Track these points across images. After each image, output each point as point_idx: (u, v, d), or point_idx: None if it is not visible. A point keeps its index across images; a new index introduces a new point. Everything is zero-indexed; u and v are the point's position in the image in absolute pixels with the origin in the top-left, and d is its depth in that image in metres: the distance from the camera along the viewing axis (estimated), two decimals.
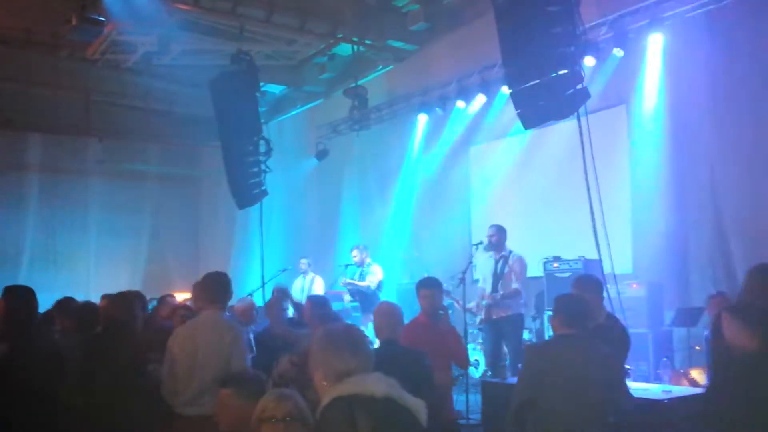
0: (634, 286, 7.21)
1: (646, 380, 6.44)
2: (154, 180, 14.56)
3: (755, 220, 6.92)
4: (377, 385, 2.39)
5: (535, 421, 3.76)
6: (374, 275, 8.84)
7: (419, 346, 4.24)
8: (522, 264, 7.33)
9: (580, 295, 4.33)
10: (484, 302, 7.42)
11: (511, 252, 7.38)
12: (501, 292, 7.27)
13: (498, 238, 7.38)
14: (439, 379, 4.28)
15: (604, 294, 4.95)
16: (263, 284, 10.18)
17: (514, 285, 7.24)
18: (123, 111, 13.09)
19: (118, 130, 13.16)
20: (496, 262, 7.38)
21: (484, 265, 7.57)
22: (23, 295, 4.21)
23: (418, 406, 2.43)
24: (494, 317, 7.33)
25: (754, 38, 6.93)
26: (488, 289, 7.38)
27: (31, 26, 10.56)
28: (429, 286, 5.05)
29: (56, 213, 13.46)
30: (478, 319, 7.60)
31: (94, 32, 8.94)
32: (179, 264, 14.39)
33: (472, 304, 7.52)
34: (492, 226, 7.50)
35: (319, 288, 9.69)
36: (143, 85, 12.41)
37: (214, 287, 4.40)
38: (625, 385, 4.25)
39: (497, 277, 7.34)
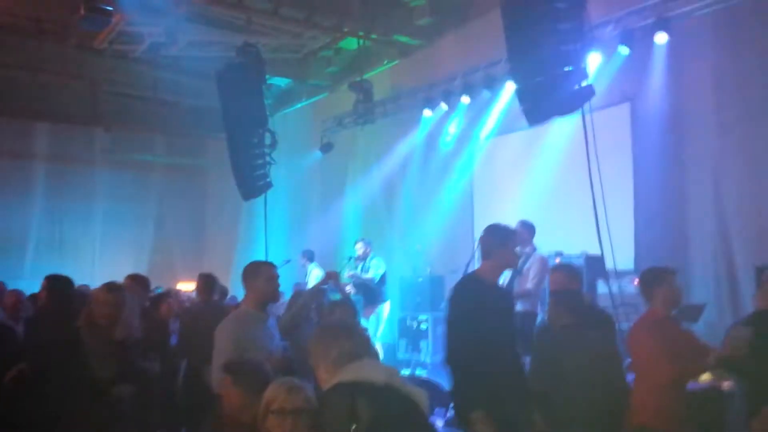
0: (636, 281, 7.23)
1: None
2: (160, 170, 14.64)
3: (757, 218, 6.96)
4: (376, 372, 2.38)
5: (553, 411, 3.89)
6: (376, 268, 8.94)
7: None
8: (541, 265, 7.13)
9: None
10: None
11: (535, 250, 7.25)
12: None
13: (523, 235, 7.25)
14: None
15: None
16: None
17: (528, 285, 7.17)
18: (130, 101, 13.15)
19: (124, 120, 13.22)
20: (519, 258, 7.32)
21: None
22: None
23: (419, 394, 2.41)
24: None
25: (760, 38, 6.94)
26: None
27: (40, 15, 10.62)
28: None
29: (62, 202, 13.56)
30: None
31: (102, 22, 8.98)
32: (184, 254, 14.47)
33: None
34: (519, 222, 7.34)
35: None
36: (150, 75, 12.46)
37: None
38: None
39: (516, 273, 7.27)
